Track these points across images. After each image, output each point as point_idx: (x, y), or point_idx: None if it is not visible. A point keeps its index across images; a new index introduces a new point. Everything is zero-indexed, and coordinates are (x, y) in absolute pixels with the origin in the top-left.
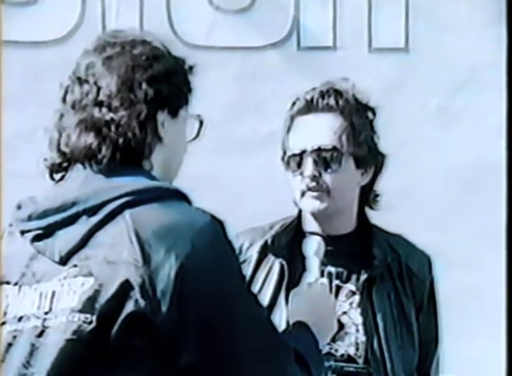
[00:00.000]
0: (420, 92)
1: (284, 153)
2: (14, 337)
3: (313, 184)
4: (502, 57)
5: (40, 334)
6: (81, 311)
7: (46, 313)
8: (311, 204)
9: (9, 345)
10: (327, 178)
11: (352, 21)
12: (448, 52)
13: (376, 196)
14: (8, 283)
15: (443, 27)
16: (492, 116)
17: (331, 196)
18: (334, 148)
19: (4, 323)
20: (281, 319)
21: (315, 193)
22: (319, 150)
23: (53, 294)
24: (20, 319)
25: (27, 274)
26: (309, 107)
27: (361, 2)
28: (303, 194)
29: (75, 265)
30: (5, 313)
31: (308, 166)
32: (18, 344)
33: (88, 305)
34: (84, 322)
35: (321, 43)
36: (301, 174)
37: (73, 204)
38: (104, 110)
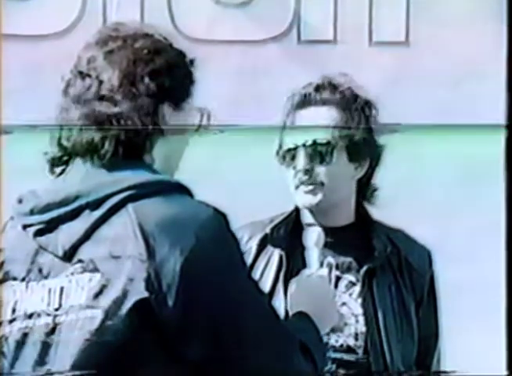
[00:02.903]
0: (420, 86)
1: (280, 147)
2: (24, 334)
3: (306, 178)
4: (502, 52)
5: (52, 331)
6: (89, 307)
7: (56, 310)
8: (304, 198)
9: (19, 341)
10: (320, 171)
11: (353, 15)
12: (449, 45)
13: (374, 190)
14: (15, 278)
15: (443, 21)
16: (492, 110)
17: (324, 189)
18: (326, 142)
19: (14, 319)
20: (280, 309)
21: (308, 187)
22: (310, 144)
23: (62, 290)
24: (30, 315)
25: (34, 270)
26: (304, 102)
27: None
28: (297, 188)
29: (80, 261)
30: (14, 310)
31: (300, 160)
32: (30, 341)
33: (96, 301)
34: (92, 318)
35: (321, 37)
36: (294, 168)
37: (76, 198)
38: (106, 104)
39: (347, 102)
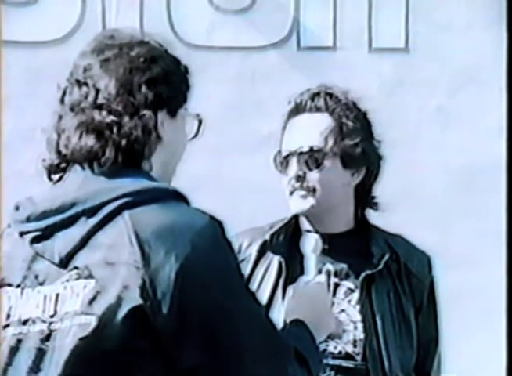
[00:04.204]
0: (419, 93)
1: (278, 153)
2: (19, 340)
3: (298, 184)
4: (502, 57)
5: (47, 338)
6: (84, 313)
7: (51, 317)
8: (297, 203)
9: (13, 348)
10: (311, 177)
11: (352, 21)
12: (448, 52)
13: (373, 198)
14: (10, 285)
15: (443, 28)
16: (491, 116)
17: (316, 195)
18: (317, 148)
19: (7, 325)
20: (279, 316)
21: (301, 193)
22: (302, 149)
23: (57, 297)
24: (25, 322)
25: (30, 276)
26: (298, 109)
27: (361, 2)
28: (291, 194)
29: (76, 268)
30: (9, 316)
31: (293, 166)
32: (24, 347)
33: (90, 308)
34: (87, 325)
35: (321, 43)
36: (287, 174)
37: (72, 205)
38: (104, 113)
39: (341, 109)
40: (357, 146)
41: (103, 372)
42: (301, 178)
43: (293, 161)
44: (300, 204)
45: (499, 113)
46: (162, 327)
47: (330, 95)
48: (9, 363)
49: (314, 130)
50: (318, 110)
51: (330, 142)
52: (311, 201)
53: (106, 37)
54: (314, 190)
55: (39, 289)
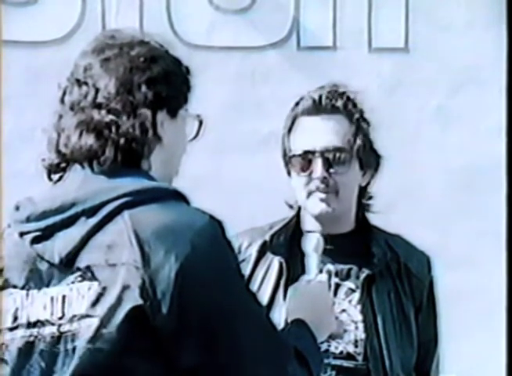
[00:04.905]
0: (419, 92)
1: (284, 152)
2: (29, 342)
3: (323, 186)
4: (502, 57)
5: (58, 341)
6: (89, 316)
7: (60, 319)
8: (318, 206)
9: (24, 350)
10: (336, 179)
11: (352, 21)
12: (448, 52)
13: (370, 198)
14: (15, 286)
15: (443, 27)
16: (491, 116)
17: (339, 197)
18: (344, 150)
19: (16, 327)
20: (280, 316)
21: (322, 195)
22: (328, 151)
23: (64, 298)
24: (34, 324)
25: (34, 278)
26: (317, 108)
27: (361, 2)
28: (309, 195)
29: (79, 269)
30: (16, 318)
31: (318, 167)
32: (36, 350)
33: (94, 310)
34: (90, 326)
35: (321, 43)
36: (309, 175)
37: (72, 205)
38: (103, 112)
39: (357, 111)
40: (369, 147)
41: (105, 373)
42: (326, 180)
43: (318, 162)
44: (321, 206)
45: (499, 113)
46: (162, 326)
47: (347, 96)
48: (20, 366)
49: (336, 131)
50: (337, 111)
51: (353, 144)
52: (333, 204)
53: (107, 37)
54: (337, 192)
55: (45, 290)
